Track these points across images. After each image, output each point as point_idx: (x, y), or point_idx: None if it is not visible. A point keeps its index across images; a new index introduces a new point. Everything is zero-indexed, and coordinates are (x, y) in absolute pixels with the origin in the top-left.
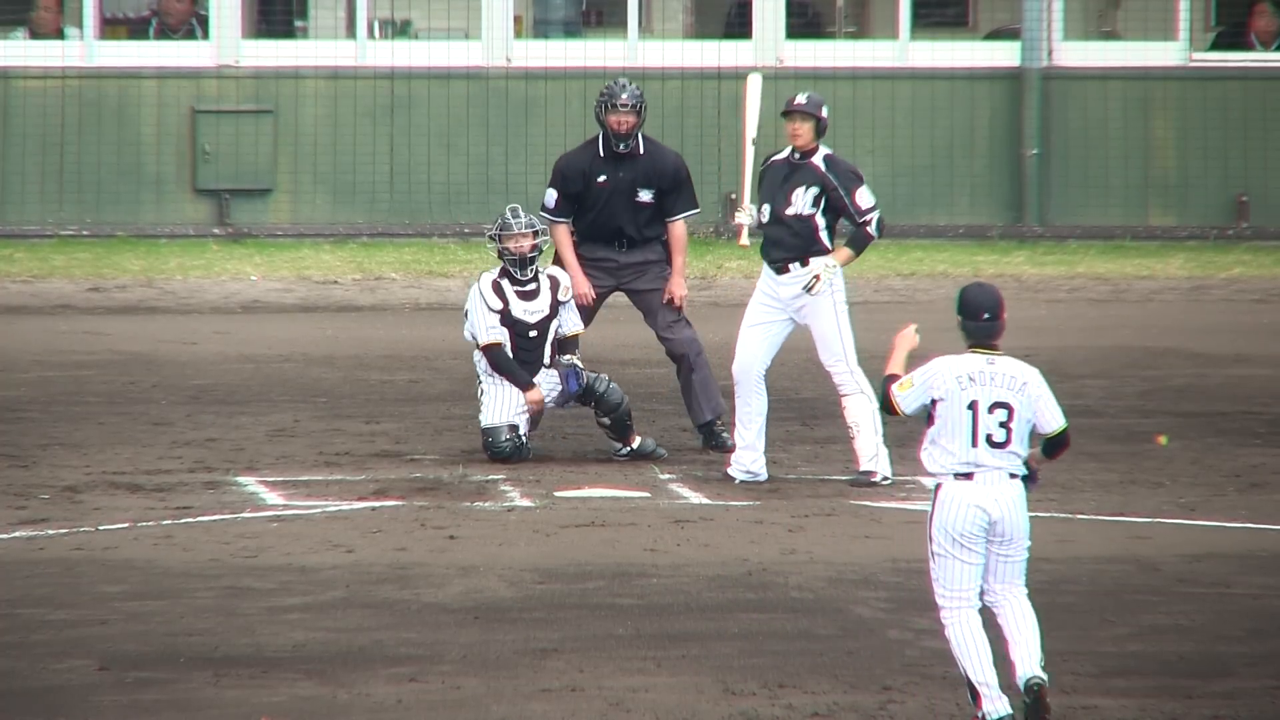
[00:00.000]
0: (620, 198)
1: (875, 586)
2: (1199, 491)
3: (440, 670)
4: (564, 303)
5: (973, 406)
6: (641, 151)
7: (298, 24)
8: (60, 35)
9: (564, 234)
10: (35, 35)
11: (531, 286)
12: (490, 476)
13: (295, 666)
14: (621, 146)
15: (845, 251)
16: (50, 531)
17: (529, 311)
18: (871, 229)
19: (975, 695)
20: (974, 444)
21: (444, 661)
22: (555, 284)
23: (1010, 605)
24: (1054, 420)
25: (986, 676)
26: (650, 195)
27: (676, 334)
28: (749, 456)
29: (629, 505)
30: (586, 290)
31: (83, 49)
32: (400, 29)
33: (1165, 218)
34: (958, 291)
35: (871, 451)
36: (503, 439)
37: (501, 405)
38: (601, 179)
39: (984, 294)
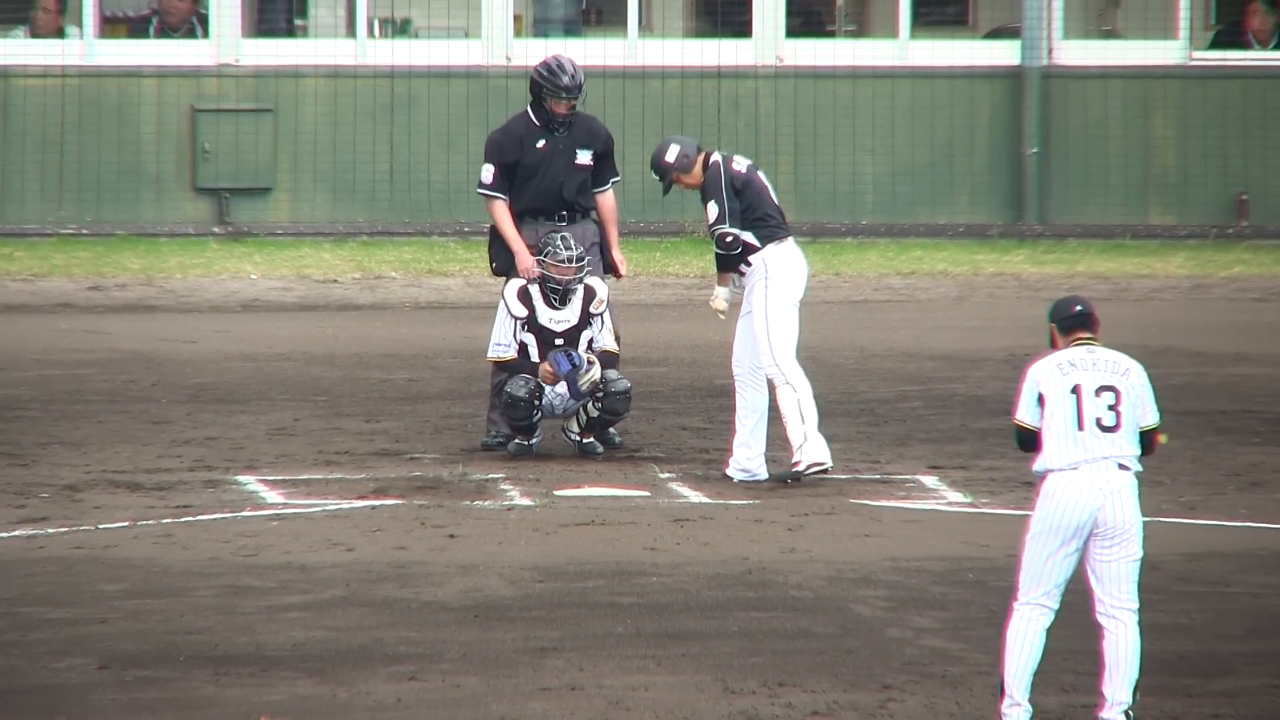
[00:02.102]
0: (561, 159)
1: (875, 585)
2: (1199, 490)
3: (440, 669)
4: (596, 315)
5: (1076, 390)
6: (574, 120)
7: (298, 23)
8: (61, 34)
9: (503, 209)
10: (35, 35)
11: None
12: (490, 475)
13: (295, 665)
14: (560, 131)
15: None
16: (50, 530)
17: (555, 320)
18: (714, 243)
19: (1002, 693)
20: (1080, 427)
21: (444, 660)
22: (590, 294)
23: (1118, 632)
24: (1149, 415)
25: (1019, 684)
26: (589, 157)
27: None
28: (745, 454)
29: (629, 504)
30: (531, 265)
31: (83, 48)
32: (400, 28)
33: (1165, 216)
34: (1047, 309)
35: (799, 440)
36: (521, 387)
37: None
38: (541, 143)
39: (1069, 296)
